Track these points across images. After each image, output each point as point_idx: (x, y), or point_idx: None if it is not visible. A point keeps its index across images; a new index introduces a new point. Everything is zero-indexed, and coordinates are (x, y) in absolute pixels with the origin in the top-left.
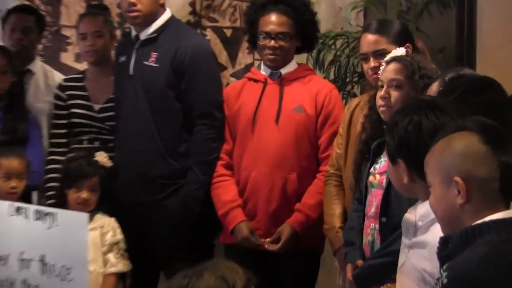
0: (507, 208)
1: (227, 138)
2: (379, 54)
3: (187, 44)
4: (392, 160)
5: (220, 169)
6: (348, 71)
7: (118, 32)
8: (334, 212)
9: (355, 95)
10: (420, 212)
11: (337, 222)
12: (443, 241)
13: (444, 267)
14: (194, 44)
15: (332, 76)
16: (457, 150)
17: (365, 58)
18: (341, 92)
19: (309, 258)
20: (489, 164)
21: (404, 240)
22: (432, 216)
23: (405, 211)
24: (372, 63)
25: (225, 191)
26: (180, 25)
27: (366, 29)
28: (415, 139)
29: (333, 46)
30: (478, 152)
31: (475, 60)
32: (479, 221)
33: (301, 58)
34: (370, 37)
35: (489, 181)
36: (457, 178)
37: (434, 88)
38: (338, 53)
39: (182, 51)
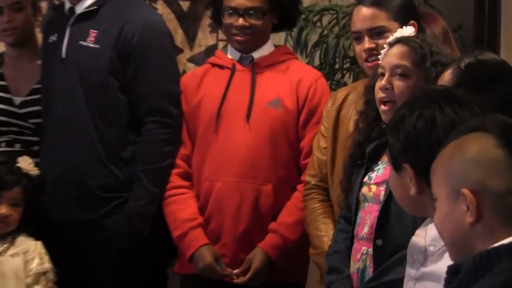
0: None
1: (185, 140)
2: (376, 32)
3: (135, 21)
4: (396, 166)
5: (175, 179)
6: (338, 55)
7: (44, 4)
8: (324, 233)
9: (345, 84)
10: (432, 234)
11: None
12: (452, 271)
13: None
14: (144, 21)
15: (317, 62)
16: (468, 155)
17: (358, 37)
18: (329, 82)
19: None
20: (507, 174)
21: (410, 271)
22: None
23: (408, 233)
24: (367, 43)
25: (182, 207)
26: None
27: (359, 1)
28: (426, 139)
29: (318, 24)
30: (494, 158)
31: (498, 42)
32: (497, 244)
33: (279, 38)
34: (364, 11)
35: (506, 195)
36: (466, 191)
37: (446, 77)
38: (325, 32)
39: (128, 29)
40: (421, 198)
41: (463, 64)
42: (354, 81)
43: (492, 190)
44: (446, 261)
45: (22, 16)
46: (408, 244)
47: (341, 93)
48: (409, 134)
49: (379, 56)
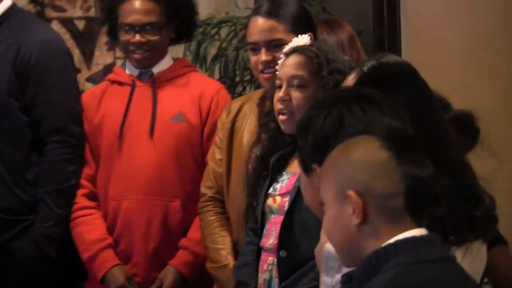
0: (417, 227)
1: (89, 159)
2: (274, 45)
3: (32, 40)
4: (306, 168)
5: (81, 199)
6: (238, 67)
7: None
8: (222, 246)
9: None
10: None
11: (229, 259)
12: (346, 279)
13: None
14: (41, 40)
15: (217, 75)
16: (353, 158)
17: (255, 48)
18: (230, 95)
19: None
20: (390, 175)
21: (325, 279)
22: None
23: (313, 242)
24: (264, 55)
25: (89, 228)
26: (23, 15)
27: (256, 11)
28: (334, 139)
29: (217, 36)
30: (378, 160)
31: (399, 46)
32: (384, 244)
33: (177, 51)
34: (262, 23)
35: (391, 196)
36: (351, 192)
37: (349, 82)
38: (224, 44)
39: (26, 49)
40: None
41: (366, 68)
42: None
43: (376, 192)
44: None
45: None
46: (314, 253)
47: (235, 104)
48: (318, 134)
49: (276, 67)
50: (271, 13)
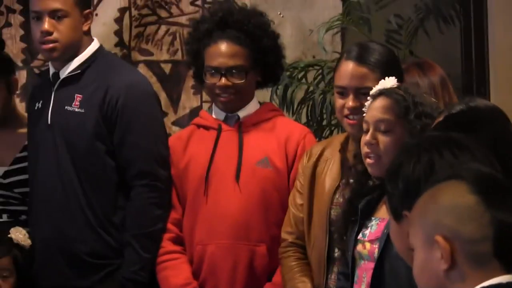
0: (507, 273)
1: (175, 203)
2: (363, 92)
3: (119, 83)
4: (396, 215)
5: (167, 244)
6: (325, 111)
7: (23, 73)
8: None
9: None
10: None
11: None
12: None
13: None
14: (128, 83)
15: (304, 119)
16: (441, 203)
17: (342, 92)
18: (317, 139)
19: None
20: (479, 220)
21: None
22: None
23: None
24: (352, 102)
25: (175, 273)
26: (110, 58)
27: (348, 55)
28: (425, 184)
29: (303, 80)
30: (466, 205)
31: (488, 88)
32: (478, 287)
33: (264, 95)
34: (354, 68)
35: (478, 241)
36: (439, 237)
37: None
38: (311, 88)
39: (113, 92)
40: None
41: (453, 111)
42: None
43: (464, 237)
44: None
45: None
46: None
47: (316, 148)
48: (408, 181)
49: (363, 109)
50: (363, 60)
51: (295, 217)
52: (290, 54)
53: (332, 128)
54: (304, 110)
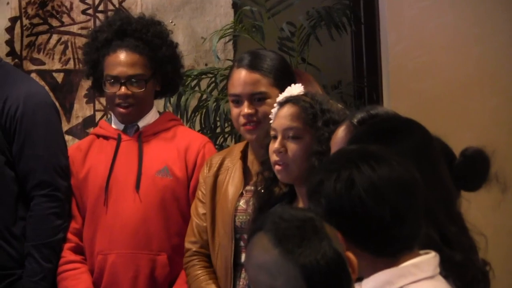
0: None
1: (75, 213)
2: (257, 98)
3: (18, 93)
4: None
5: (67, 254)
6: (219, 118)
7: None
8: None
9: None
10: None
11: None
12: None
13: None
14: (27, 93)
15: (198, 126)
16: (253, 261)
17: (237, 100)
18: None
19: None
20: (287, 273)
21: None
22: None
23: None
24: (247, 108)
25: (75, 283)
26: (7, 68)
27: (239, 63)
28: (348, 201)
29: (197, 88)
30: (271, 259)
31: (380, 95)
32: None
33: (157, 103)
34: (246, 75)
35: None
36: None
37: (339, 134)
38: (204, 96)
39: (11, 103)
40: None
41: (355, 120)
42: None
43: None
44: None
45: None
46: None
47: (216, 158)
48: (330, 198)
49: (270, 116)
50: (255, 66)
51: (198, 227)
52: (183, 62)
53: (226, 135)
54: (198, 118)
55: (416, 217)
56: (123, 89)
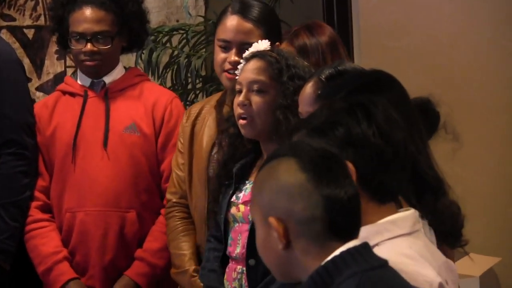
0: (341, 246)
1: (42, 171)
2: (247, 48)
3: None
4: None
5: (35, 212)
6: (190, 75)
7: None
8: (185, 252)
9: None
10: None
11: (190, 265)
12: None
13: None
14: None
15: (169, 83)
16: (273, 183)
17: (226, 46)
18: (183, 102)
19: None
20: (308, 199)
21: None
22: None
23: None
24: (234, 56)
25: (44, 241)
26: None
27: (234, 10)
28: (367, 131)
29: (168, 44)
30: (296, 183)
31: (351, 51)
32: (330, 258)
33: (128, 60)
34: (239, 23)
35: (309, 221)
36: (271, 219)
37: (308, 90)
38: (176, 52)
39: None
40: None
41: (323, 76)
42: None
43: (296, 217)
44: None
45: None
46: None
47: (195, 108)
48: (350, 130)
49: (236, 71)
50: (250, 16)
51: (178, 177)
52: (154, 19)
53: (197, 91)
54: (169, 74)
55: (409, 161)
56: (89, 45)
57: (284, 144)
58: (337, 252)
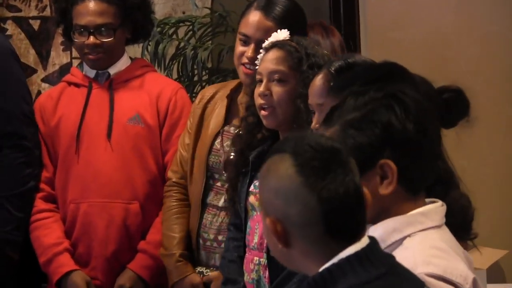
0: (342, 249)
1: (46, 162)
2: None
3: None
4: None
5: (39, 203)
6: (196, 66)
7: None
8: (175, 235)
9: None
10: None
11: (177, 248)
12: None
13: None
14: None
15: (176, 74)
16: (271, 182)
17: (245, 40)
18: (189, 94)
19: None
20: (304, 203)
21: None
22: (390, 240)
23: None
24: (252, 52)
25: (47, 232)
26: None
27: (258, 6)
28: (406, 125)
29: (174, 36)
30: (291, 186)
31: (358, 43)
32: (328, 264)
33: (135, 52)
34: (261, 20)
35: (307, 224)
36: (268, 220)
37: (317, 83)
38: (182, 44)
39: None
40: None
41: (333, 68)
42: None
43: (293, 220)
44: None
45: None
46: None
47: (209, 91)
48: (389, 125)
49: (256, 62)
50: (272, 14)
51: (181, 157)
52: (160, 11)
53: (204, 83)
54: (176, 66)
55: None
56: (91, 38)
57: (288, 139)
58: (335, 259)
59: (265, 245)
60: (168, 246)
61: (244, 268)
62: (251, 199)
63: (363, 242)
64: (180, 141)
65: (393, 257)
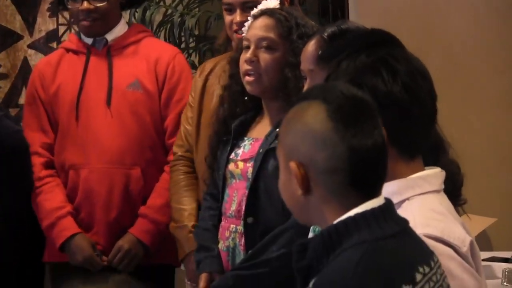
0: (367, 199)
1: (46, 128)
2: (249, 6)
3: None
4: None
5: (38, 169)
6: (183, 33)
7: None
8: (185, 207)
9: (193, 64)
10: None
11: (189, 220)
12: (299, 248)
13: (311, 285)
14: None
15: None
16: (299, 126)
17: (230, 9)
18: None
19: (161, 275)
20: (332, 149)
21: None
22: (397, 199)
23: (279, 210)
24: (239, 16)
25: (48, 197)
26: None
27: None
28: (395, 88)
29: (162, 3)
30: (322, 131)
31: (346, 12)
32: (344, 217)
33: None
34: None
35: (332, 171)
36: (292, 164)
37: (309, 49)
38: (170, 11)
39: None
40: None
41: (326, 34)
42: (200, 60)
43: (318, 165)
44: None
45: None
46: (280, 220)
47: (209, 63)
48: (377, 89)
49: (243, 29)
50: None
51: (185, 131)
52: None
53: (191, 51)
54: (163, 33)
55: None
56: (85, 4)
57: (317, 86)
58: (351, 212)
59: (242, 212)
60: (179, 218)
61: (219, 236)
62: (231, 166)
63: (380, 200)
64: (183, 117)
65: (407, 221)
